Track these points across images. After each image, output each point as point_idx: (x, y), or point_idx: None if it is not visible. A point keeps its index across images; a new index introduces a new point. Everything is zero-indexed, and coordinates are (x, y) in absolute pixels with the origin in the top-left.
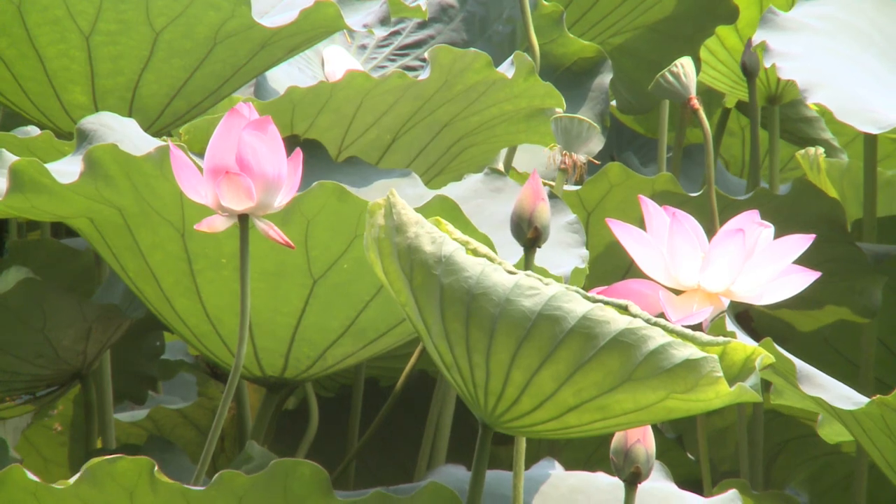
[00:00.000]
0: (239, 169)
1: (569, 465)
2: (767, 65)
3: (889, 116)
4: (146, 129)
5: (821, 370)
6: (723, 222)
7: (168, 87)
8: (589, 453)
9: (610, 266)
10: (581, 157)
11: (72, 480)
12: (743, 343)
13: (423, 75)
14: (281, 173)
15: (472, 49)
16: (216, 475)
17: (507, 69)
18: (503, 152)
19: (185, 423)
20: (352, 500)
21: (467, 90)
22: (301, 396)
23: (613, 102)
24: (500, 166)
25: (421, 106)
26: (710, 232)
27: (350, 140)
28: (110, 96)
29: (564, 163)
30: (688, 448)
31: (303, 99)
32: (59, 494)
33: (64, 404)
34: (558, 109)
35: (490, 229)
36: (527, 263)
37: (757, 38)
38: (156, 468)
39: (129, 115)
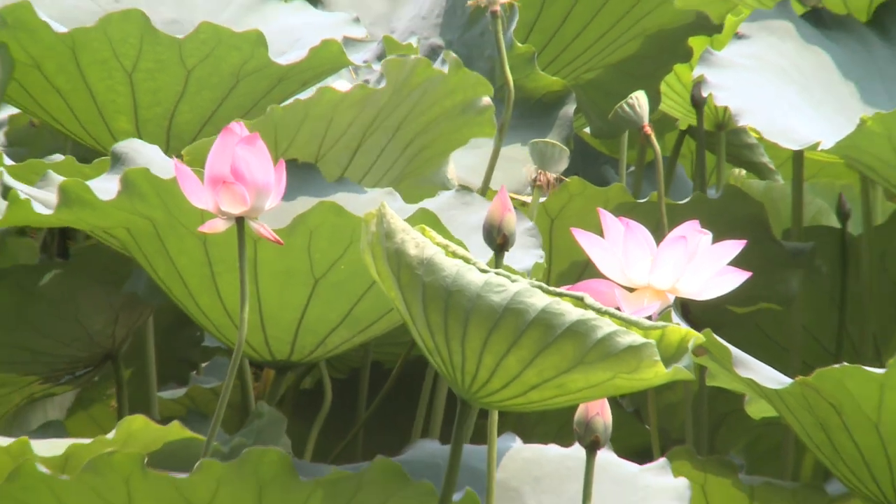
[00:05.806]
0: (234, 178)
1: (542, 437)
2: (705, 94)
3: (807, 136)
4: (182, 152)
5: (753, 351)
6: (669, 223)
7: (199, 116)
8: (560, 426)
9: (571, 264)
10: (553, 175)
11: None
12: (679, 327)
13: (380, 85)
14: (269, 181)
15: (413, 55)
16: (196, 463)
17: (440, 65)
18: (453, 165)
19: (218, 400)
20: (313, 481)
21: (412, 91)
22: (317, 378)
23: (587, 129)
24: (450, 174)
25: (378, 112)
26: (660, 232)
27: (327, 148)
28: (150, 124)
29: (539, 180)
30: (644, 420)
31: (283, 118)
32: (66, 484)
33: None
34: (487, 98)
35: (461, 236)
36: (497, 264)
37: (696, 73)
38: (146, 460)
39: (167, 140)
